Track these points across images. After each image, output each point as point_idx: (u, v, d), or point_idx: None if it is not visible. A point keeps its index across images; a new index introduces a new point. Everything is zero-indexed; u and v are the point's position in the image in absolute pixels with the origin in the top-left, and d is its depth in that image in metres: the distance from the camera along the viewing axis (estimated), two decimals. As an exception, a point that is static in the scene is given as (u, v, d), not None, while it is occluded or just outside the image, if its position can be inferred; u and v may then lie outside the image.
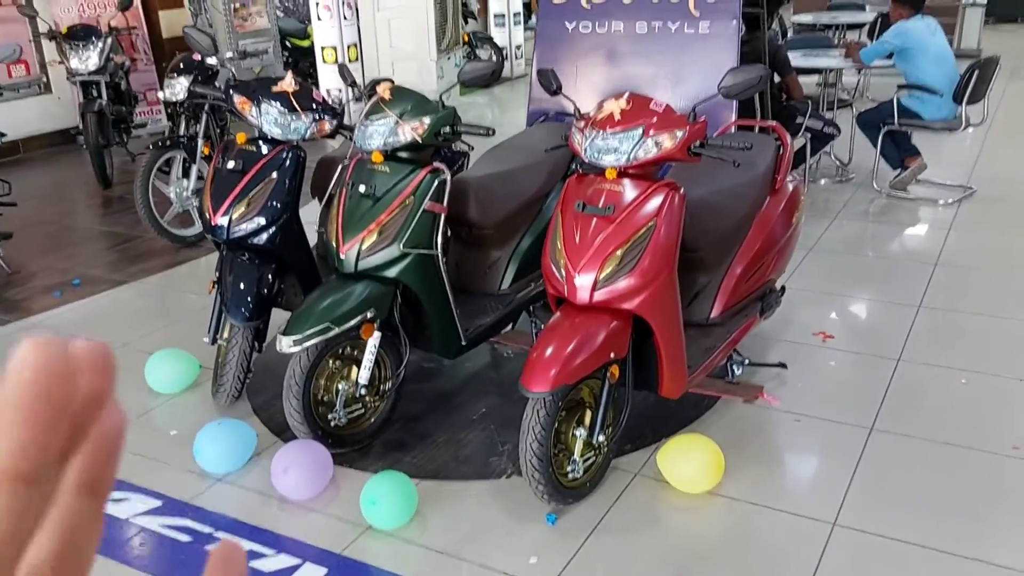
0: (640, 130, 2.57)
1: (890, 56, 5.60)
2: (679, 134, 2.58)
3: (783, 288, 3.48)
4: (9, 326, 4.27)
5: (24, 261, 5.05)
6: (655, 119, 2.59)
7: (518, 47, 10.76)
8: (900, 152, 5.64)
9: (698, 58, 4.22)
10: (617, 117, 2.61)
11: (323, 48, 7.85)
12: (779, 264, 3.33)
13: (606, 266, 2.55)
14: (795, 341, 3.74)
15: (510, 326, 3.51)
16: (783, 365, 3.44)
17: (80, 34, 6.48)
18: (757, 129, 3.70)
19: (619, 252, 2.55)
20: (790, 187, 3.35)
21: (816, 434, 3.10)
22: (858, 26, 8.95)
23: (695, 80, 4.19)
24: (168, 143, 5.13)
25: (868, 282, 4.46)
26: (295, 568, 2.53)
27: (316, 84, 7.98)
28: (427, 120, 2.92)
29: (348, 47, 7.85)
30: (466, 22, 9.85)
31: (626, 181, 2.62)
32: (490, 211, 3.35)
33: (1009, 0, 12.99)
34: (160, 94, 5.37)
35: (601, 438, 2.66)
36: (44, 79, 7.88)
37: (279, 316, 3.36)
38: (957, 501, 2.69)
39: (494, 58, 10.22)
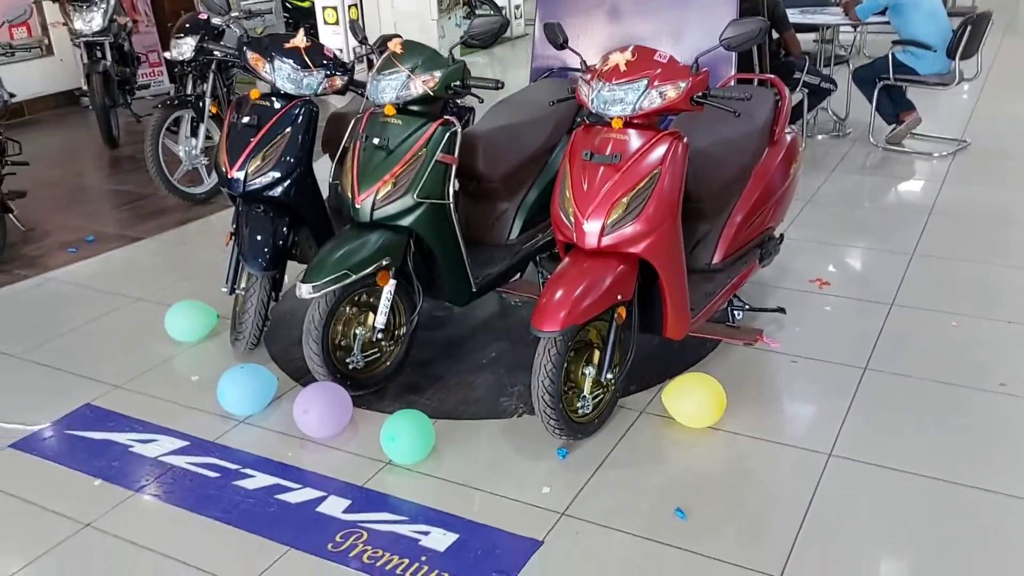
0: (645, 81, 2.67)
1: (884, 12, 5.67)
2: (682, 84, 2.68)
3: (782, 236, 3.61)
4: (28, 280, 4.38)
5: (38, 219, 5.16)
6: (659, 70, 2.69)
7: (517, 7, 10.76)
8: (895, 107, 5.73)
9: (698, 15, 4.30)
10: (623, 69, 2.71)
11: (324, 8, 7.88)
12: (778, 213, 3.45)
13: (613, 212, 2.67)
14: (793, 288, 3.87)
15: (518, 275, 3.63)
16: (782, 310, 3.57)
17: (83, -5, 6.52)
18: (756, 83, 3.79)
19: (625, 199, 2.67)
20: (788, 138, 3.46)
21: (812, 374, 3.24)
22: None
23: (695, 36, 4.27)
24: (176, 102, 5.21)
25: (864, 232, 4.59)
26: (321, 499, 2.68)
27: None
28: (438, 74, 3.01)
29: (349, 7, 7.88)
30: (465, -19, 9.84)
31: (632, 131, 2.72)
32: (497, 164, 3.46)
33: (1007, -44, 12.93)
34: (166, 54, 5.44)
35: (609, 376, 2.80)
36: (46, 41, 7.92)
37: (294, 268, 3.49)
38: (948, 432, 2.84)
39: (494, 17, 10.22)
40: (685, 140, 2.76)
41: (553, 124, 3.61)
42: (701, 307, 3.05)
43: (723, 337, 3.43)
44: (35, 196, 5.32)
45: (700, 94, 2.72)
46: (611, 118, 2.73)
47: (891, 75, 5.52)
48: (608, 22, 4.52)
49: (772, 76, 3.59)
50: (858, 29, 7.72)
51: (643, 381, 3.17)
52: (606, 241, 2.69)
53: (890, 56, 5.51)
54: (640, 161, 2.69)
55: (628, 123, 2.73)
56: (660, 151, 2.70)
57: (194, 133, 5.28)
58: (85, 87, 6.57)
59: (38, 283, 4.37)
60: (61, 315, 4.00)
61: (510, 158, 3.50)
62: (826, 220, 4.67)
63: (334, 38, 7.90)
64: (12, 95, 5.18)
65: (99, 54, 6.50)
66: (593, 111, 2.77)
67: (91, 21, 6.41)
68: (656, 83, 2.67)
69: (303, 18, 9.09)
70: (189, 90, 5.30)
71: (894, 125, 5.70)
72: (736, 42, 2.71)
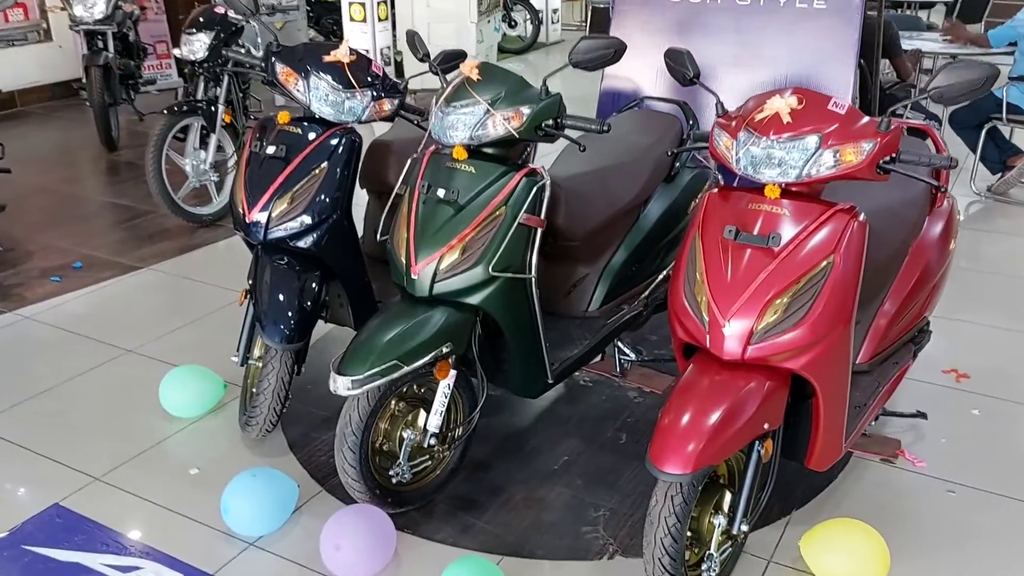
0: (816, 138, 1.98)
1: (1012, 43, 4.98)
2: (867, 147, 1.99)
3: (927, 321, 2.91)
4: (1, 317, 3.69)
5: (20, 237, 4.46)
6: (836, 125, 2.00)
7: (554, 11, 10.07)
8: (1002, 153, 5.05)
9: (812, 39, 3.61)
10: (785, 119, 2.01)
11: (351, 4, 7.17)
12: (934, 298, 2.76)
13: (767, 314, 1.98)
14: (924, 381, 3.17)
15: (599, 357, 2.94)
16: (923, 415, 2.88)
17: (85, -22, 5.81)
18: (905, 131, 3.09)
19: (785, 297, 1.98)
20: (946, 204, 2.77)
21: (981, 511, 2.54)
22: (929, 4, 8.27)
23: (810, 65, 3.59)
24: (184, 108, 4.51)
25: (992, 304, 3.88)
26: None
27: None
28: (526, 110, 2.32)
29: (378, 4, 7.18)
30: (502, -18, 9.16)
31: (791, 202, 2.03)
32: (580, 219, 2.76)
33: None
34: (176, 51, 4.75)
35: (744, 527, 2.10)
36: (44, 25, 7.22)
37: (320, 329, 2.80)
38: None
39: (529, 23, 9.54)
40: (862, 218, 2.06)
41: (649, 172, 2.93)
42: (853, 426, 2.35)
43: (854, 450, 2.73)
44: (19, 206, 4.63)
45: (888, 157, 2.03)
46: (764, 184, 2.04)
47: (1003, 115, 4.82)
48: (699, 42, 3.80)
49: (924, 125, 2.90)
50: (955, 58, 7.03)
51: (763, 512, 2.47)
52: (753, 352, 1.99)
53: (1004, 93, 4.81)
54: (805, 245, 2.00)
55: (786, 191, 2.04)
56: (832, 232, 2.01)
57: (203, 144, 4.58)
58: (84, 80, 5.88)
59: (10, 321, 3.68)
60: (35, 368, 3.30)
61: (595, 212, 2.80)
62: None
63: (361, 37, 7.19)
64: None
65: (100, 44, 5.81)
66: (739, 172, 2.08)
67: (93, 7, 5.71)
68: (831, 142, 1.98)
69: (326, 13, 8.40)
70: (200, 94, 4.61)
71: (1001, 173, 5.00)
72: (951, 93, 2.01)
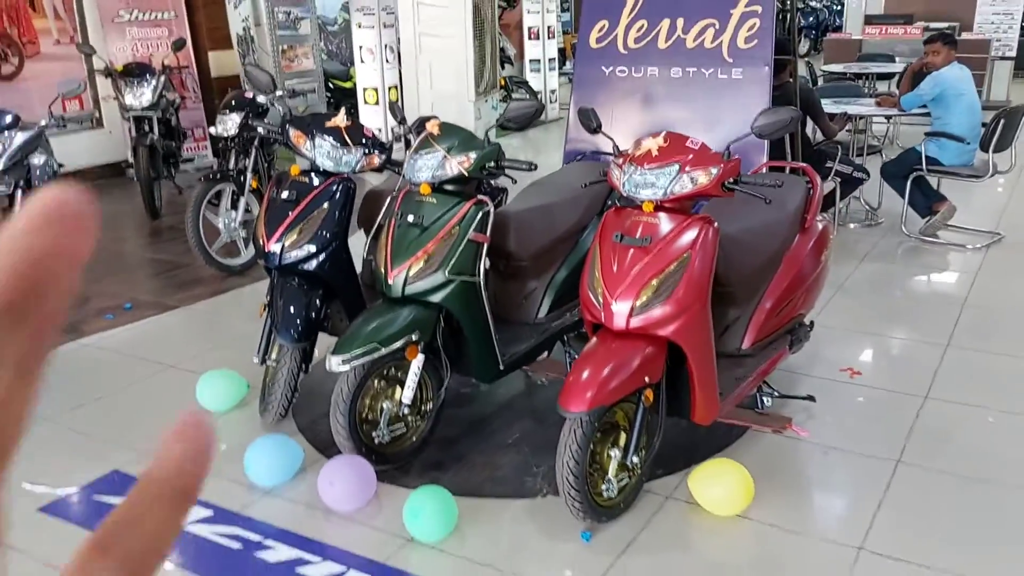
0: (677, 166, 2.72)
1: (925, 105, 5.75)
2: (714, 171, 2.72)
3: (812, 323, 3.59)
4: (65, 346, 4.46)
5: (79, 286, 5.27)
6: (691, 156, 2.74)
7: (552, 91, 11.03)
8: (927, 200, 5.75)
9: (731, 102, 4.38)
10: (655, 153, 2.76)
11: (365, 89, 8.13)
12: (808, 300, 3.44)
13: (643, 294, 2.69)
14: (823, 376, 3.83)
15: (545, 354, 3.64)
16: (811, 398, 3.53)
17: (135, 71, 6.81)
18: (788, 170, 3.83)
19: (655, 281, 2.69)
20: (819, 226, 3.48)
21: (843, 465, 3.19)
22: (888, 76, 9.11)
23: (728, 123, 4.35)
24: (219, 176, 5.37)
25: (896, 321, 4.55)
26: (341, 575, 2.65)
27: (357, 123, 8.25)
28: (473, 155, 3.09)
29: (389, 88, 8.12)
30: (503, 67, 10.14)
31: (662, 214, 2.76)
32: (528, 243, 3.50)
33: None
34: (211, 129, 5.62)
35: (635, 459, 2.77)
36: (97, 114, 8.22)
37: (324, 341, 3.53)
38: (983, 533, 2.76)
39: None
40: (715, 224, 2.79)
41: (585, 206, 3.67)
42: (730, 392, 3.03)
43: (751, 423, 3.39)
44: (77, 263, 5.46)
45: (731, 180, 2.76)
46: (642, 201, 2.77)
47: (924, 167, 5.55)
48: (642, 108, 4.62)
49: (804, 164, 3.63)
50: (891, 120, 7.81)
51: (670, 465, 3.13)
52: (635, 322, 2.70)
53: (923, 147, 5.55)
54: (670, 244, 2.72)
55: (659, 207, 2.77)
56: (691, 235, 2.73)
57: (234, 206, 5.41)
58: (132, 159, 6.80)
59: (75, 348, 4.45)
60: (95, 381, 4.05)
61: (541, 238, 3.55)
62: (857, 308, 4.64)
63: (374, 118, 8.13)
64: (61, 165, 5.37)
65: (147, 128, 6.74)
66: (624, 194, 2.82)
67: (141, 96, 6.66)
68: (687, 168, 2.72)
69: (345, 98, 9.38)
70: (231, 164, 5.47)
71: (928, 217, 5.69)
72: (767, 131, 2.76)
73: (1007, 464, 3.12)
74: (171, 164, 7.17)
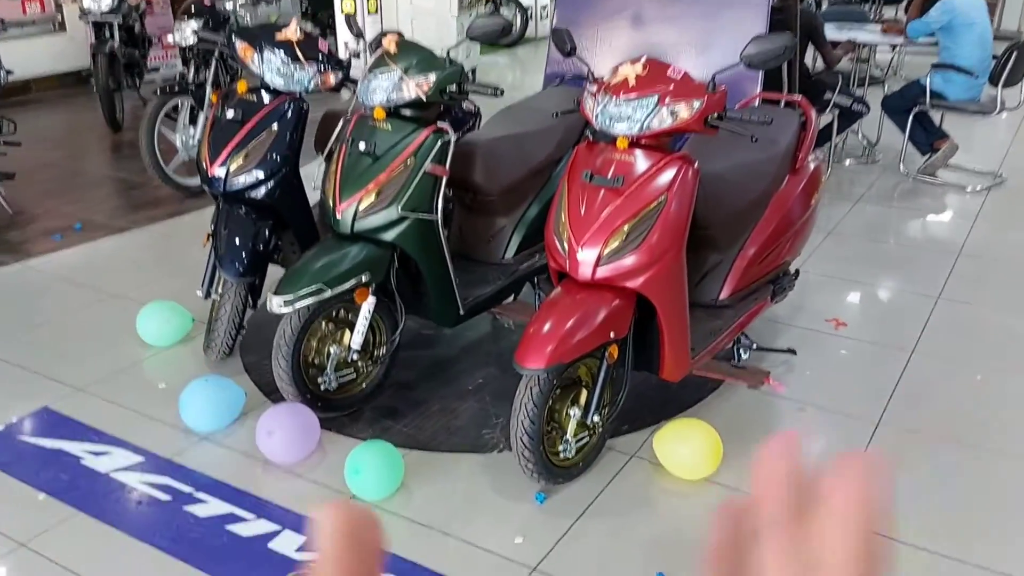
0: (655, 98, 2.43)
1: (933, 34, 5.38)
2: (696, 104, 2.44)
3: (797, 272, 3.35)
4: (6, 268, 4.20)
5: (27, 203, 4.97)
6: (672, 87, 2.45)
7: (543, 7, 10.52)
8: (929, 136, 5.45)
9: (725, 25, 4.04)
10: (632, 83, 2.47)
11: (343, -1, 7.66)
12: (795, 246, 3.19)
13: (611, 241, 2.43)
14: (807, 327, 3.61)
15: (512, 297, 3.40)
16: (792, 351, 3.32)
17: (95, -28, 6.34)
18: (783, 103, 3.53)
19: (626, 227, 2.43)
20: (811, 166, 3.20)
21: (820, 425, 2.99)
22: (895, 1, 8.66)
23: (721, 48, 4.02)
24: (176, 89, 5.01)
25: (887, 269, 4.31)
26: (274, 534, 2.46)
27: (335, 35, 7.81)
28: (432, 76, 2.79)
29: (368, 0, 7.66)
30: (491, -21, 9.62)
31: (638, 152, 2.49)
32: (497, 176, 3.23)
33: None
34: (168, 37, 5.24)
35: (596, 419, 2.56)
36: (59, 18, 7.75)
37: (276, 274, 3.27)
38: (961, 502, 2.58)
39: (517, 17, 10.00)
40: (696, 165, 2.52)
41: (559, 136, 3.37)
42: (704, 347, 2.80)
43: (726, 377, 3.18)
44: (28, 178, 5.14)
45: (715, 115, 2.48)
46: (616, 136, 2.49)
47: (927, 101, 5.23)
48: (629, 30, 4.26)
49: (800, 97, 3.33)
50: (896, 49, 7.43)
51: (636, 421, 2.93)
52: (601, 273, 2.45)
53: (928, 80, 5.22)
54: (645, 186, 2.46)
55: (634, 143, 2.50)
56: (667, 176, 2.46)
57: (193, 122, 5.07)
58: (91, 67, 6.40)
59: (17, 271, 4.19)
60: (33, 307, 3.80)
61: (511, 170, 3.27)
62: (847, 254, 4.40)
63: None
64: (9, 72, 5.01)
65: (107, 34, 6.33)
66: (597, 128, 2.54)
67: (101, 0, 6.23)
68: (667, 101, 2.43)
69: (321, 8, 8.89)
70: (192, 77, 5.10)
71: (928, 155, 5.41)
72: (758, 60, 2.46)
73: (990, 428, 2.94)
74: (135, 74, 6.77)
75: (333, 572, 0.37)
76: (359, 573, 0.37)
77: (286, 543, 2.43)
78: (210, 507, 2.57)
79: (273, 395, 3.06)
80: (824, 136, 5.07)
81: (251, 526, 2.49)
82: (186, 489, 2.65)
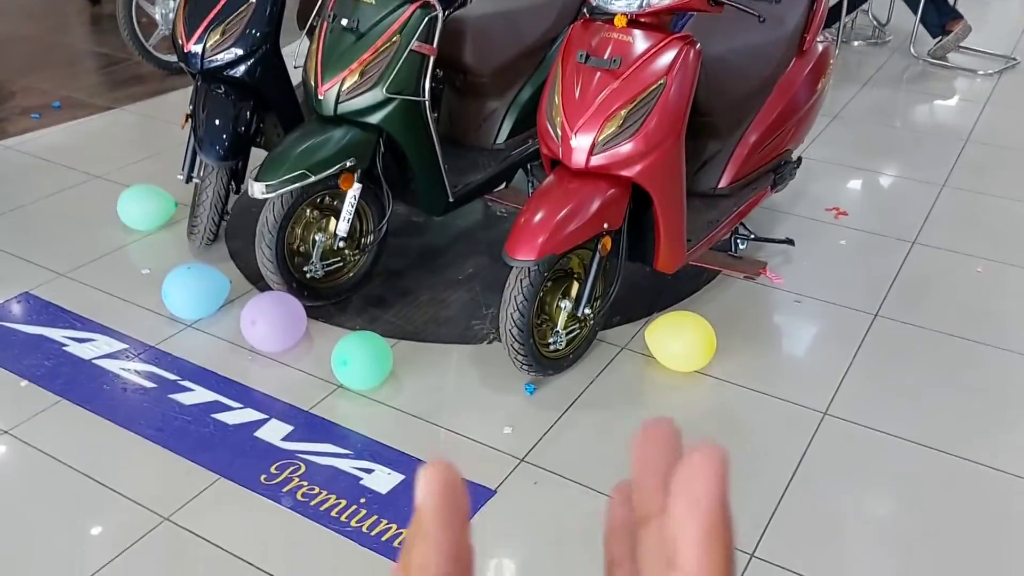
0: (657, -28, 2.27)
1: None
2: (700, -21, 2.28)
3: (799, 159, 3.23)
4: (-17, 148, 4.07)
5: (3, 79, 4.78)
6: (675, -40, 2.28)
7: None
8: (941, 17, 5.20)
9: None
10: (632, -45, 2.29)
11: None
12: (798, 134, 3.07)
13: (607, 127, 2.32)
14: (806, 216, 3.52)
15: (504, 184, 3.29)
16: (790, 241, 3.24)
17: None
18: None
19: (622, 112, 2.31)
20: (819, 48, 3.05)
21: (816, 317, 2.95)
22: None
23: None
24: (153, -41, 4.74)
25: (892, 156, 4.18)
26: (261, 423, 2.44)
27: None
28: (421, -55, 2.60)
29: None
30: None
31: (636, 31, 2.34)
32: (488, 56, 3.07)
33: None
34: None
35: (587, 311, 2.51)
36: None
37: (259, 157, 3.15)
38: (959, 397, 2.56)
39: None
40: (698, 47, 2.37)
41: (555, 13, 3.19)
42: (700, 237, 2.72)
43: (722, 268, 3.10)
44: (3, 52, 4.94)
45: (720, -8, 2.32)
46: (614, 14, 2.34)
47: (942, -22, 4.98)
48: None
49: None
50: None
51: (628, 312, 2.88)
52: (596, 161, 2.34)
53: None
54: (643, 68, 2.32)
55: (633, 21, 2.34)
56: (668, 58, 2.32)
57: (173, -6, 4.82)
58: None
59: (-6, 150, 4.06)
60: (11, 189, 3.69)
61: (503, 50, 3.10)
62: (852, 140, 4.26)
63: None
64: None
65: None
66: (594, 4, 2.38)
67: None
68: (670, -25, 2.27)
69: None
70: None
71: (940, 38, 5.18)
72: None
73: (988, 320, 2.89)
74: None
75: (433, 551, 0.34)
76: (456, 551, 0.34)
77: (273, 432, 2.41)
78: (195, 395, 2.54)
79: (259, 283, 3.00)
80: (833, 16, 4.84)
81: (237, 415, 2.47)
82: (171, 377, 2.62)
